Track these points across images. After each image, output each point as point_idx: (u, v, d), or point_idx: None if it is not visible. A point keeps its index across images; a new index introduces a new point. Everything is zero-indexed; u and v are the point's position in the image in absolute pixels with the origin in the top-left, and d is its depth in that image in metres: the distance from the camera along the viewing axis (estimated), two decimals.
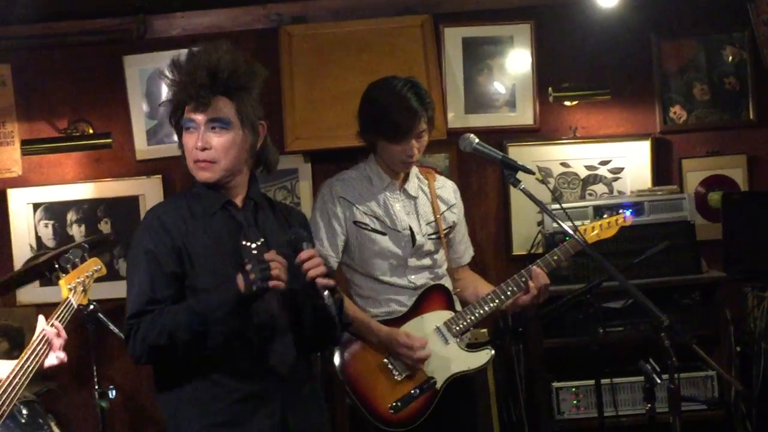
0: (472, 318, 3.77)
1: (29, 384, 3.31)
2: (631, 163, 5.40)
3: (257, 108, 2.97)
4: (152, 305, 2.83)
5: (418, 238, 3.78)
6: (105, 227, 5.37)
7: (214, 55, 2.87)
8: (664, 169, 5.43)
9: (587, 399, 4.87)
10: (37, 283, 5.25)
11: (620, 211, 3.89)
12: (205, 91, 2.85)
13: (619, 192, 5.36)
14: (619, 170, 5.40)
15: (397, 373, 3.69)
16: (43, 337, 3.20)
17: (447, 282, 3.90)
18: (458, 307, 3.86)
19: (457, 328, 3.76)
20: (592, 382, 4.54)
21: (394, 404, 3.66)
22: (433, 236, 3.83)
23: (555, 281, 3.89)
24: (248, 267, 2.75)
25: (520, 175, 3.35)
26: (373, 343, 3.71)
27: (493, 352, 3.81)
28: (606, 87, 5.27)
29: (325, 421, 3.13)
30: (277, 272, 2.75)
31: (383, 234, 3.76)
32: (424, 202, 3.86)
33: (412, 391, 3.67)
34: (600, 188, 5.40)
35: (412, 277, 3.80)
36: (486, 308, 3.77)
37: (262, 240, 2.90)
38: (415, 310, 3.78)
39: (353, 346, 3.74)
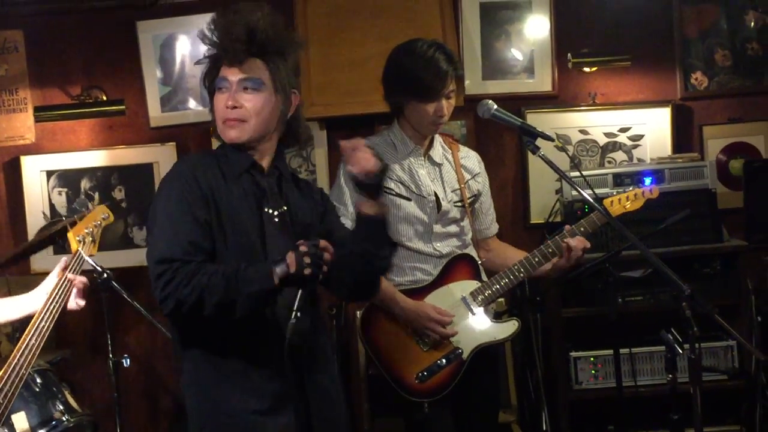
0: (498, 288, 3.75)
1: (42, 352, 3.30)
2: (651, 130, 5.32)
3: (291, 77, 2.95)
4: (185, 252, 2.72)
5: (444, 204, 3.75)
6: (119, 194, 5.34)
7: (253, 15, 2.85)
8: (684, 136, 5.35)
9: (605, 369, 4.83)
10: (51, 250, 5.23)
11: (641, 185, 3.85)
12: (241, 47, 2.83)
13: (639, 159, 5.29)
14: (639, 137, 5.33)
15: (423, 343, 3.67)
16: (65, 279, 3.22)
17: (473, 251, 3.87)
18: (484, 277, 3.83)
19: (483, 297, 3.73)
20: (610, 351, 4.51)
21: (420, 374, 3.65)
22: (459, 204, 3.81)
23: None
24: (303, 249, 2.64)
25: (539, 142, 3.29)
26: (397, 315, 3.67)
27: (519, 323, 3.79)
28: (626, 53, 5.18)
29: (335, 374, 3.07)
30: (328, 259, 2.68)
31: (408, 199, 3.73)
32: (449, 169, 3.84)
33: (439, 362, 3.66)
34: (619, 156, 5.33)
35: (438, 244, 3.77)
36: (512, 278, 3.74)
37: (284, 208, 2.88)
38: (441, 280, 3.75)
39: (379, 315, 3.72)
